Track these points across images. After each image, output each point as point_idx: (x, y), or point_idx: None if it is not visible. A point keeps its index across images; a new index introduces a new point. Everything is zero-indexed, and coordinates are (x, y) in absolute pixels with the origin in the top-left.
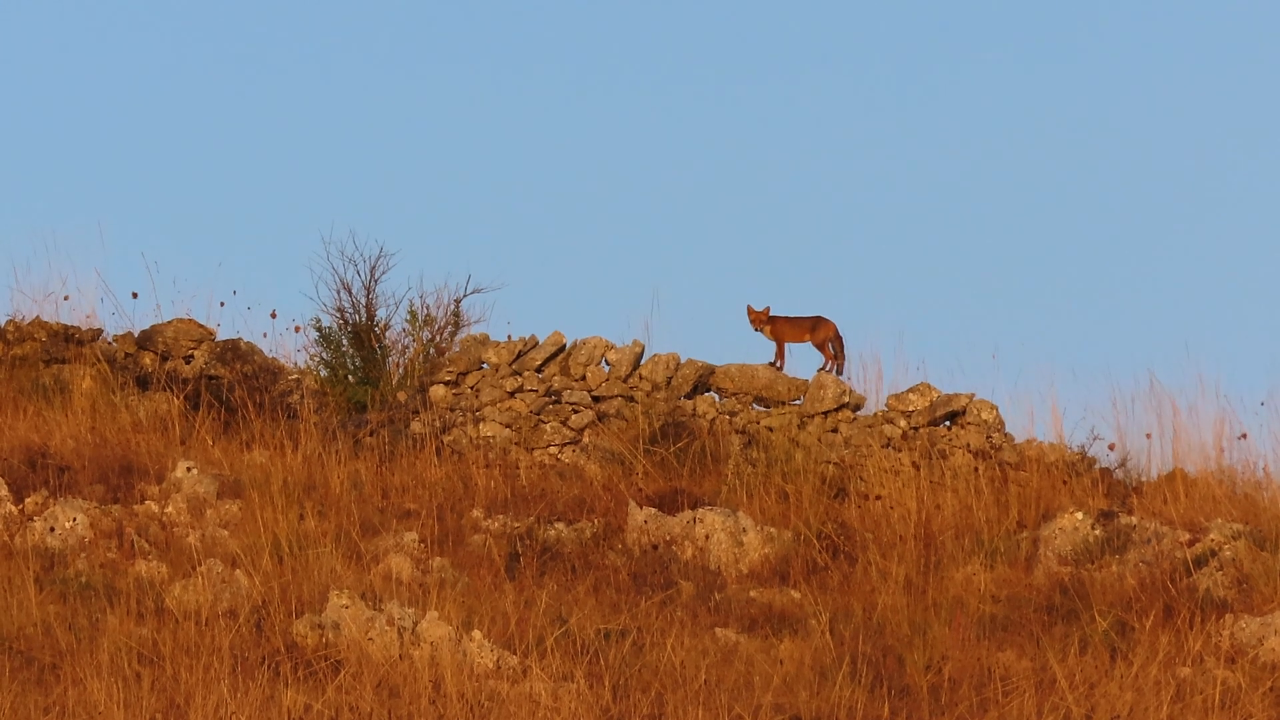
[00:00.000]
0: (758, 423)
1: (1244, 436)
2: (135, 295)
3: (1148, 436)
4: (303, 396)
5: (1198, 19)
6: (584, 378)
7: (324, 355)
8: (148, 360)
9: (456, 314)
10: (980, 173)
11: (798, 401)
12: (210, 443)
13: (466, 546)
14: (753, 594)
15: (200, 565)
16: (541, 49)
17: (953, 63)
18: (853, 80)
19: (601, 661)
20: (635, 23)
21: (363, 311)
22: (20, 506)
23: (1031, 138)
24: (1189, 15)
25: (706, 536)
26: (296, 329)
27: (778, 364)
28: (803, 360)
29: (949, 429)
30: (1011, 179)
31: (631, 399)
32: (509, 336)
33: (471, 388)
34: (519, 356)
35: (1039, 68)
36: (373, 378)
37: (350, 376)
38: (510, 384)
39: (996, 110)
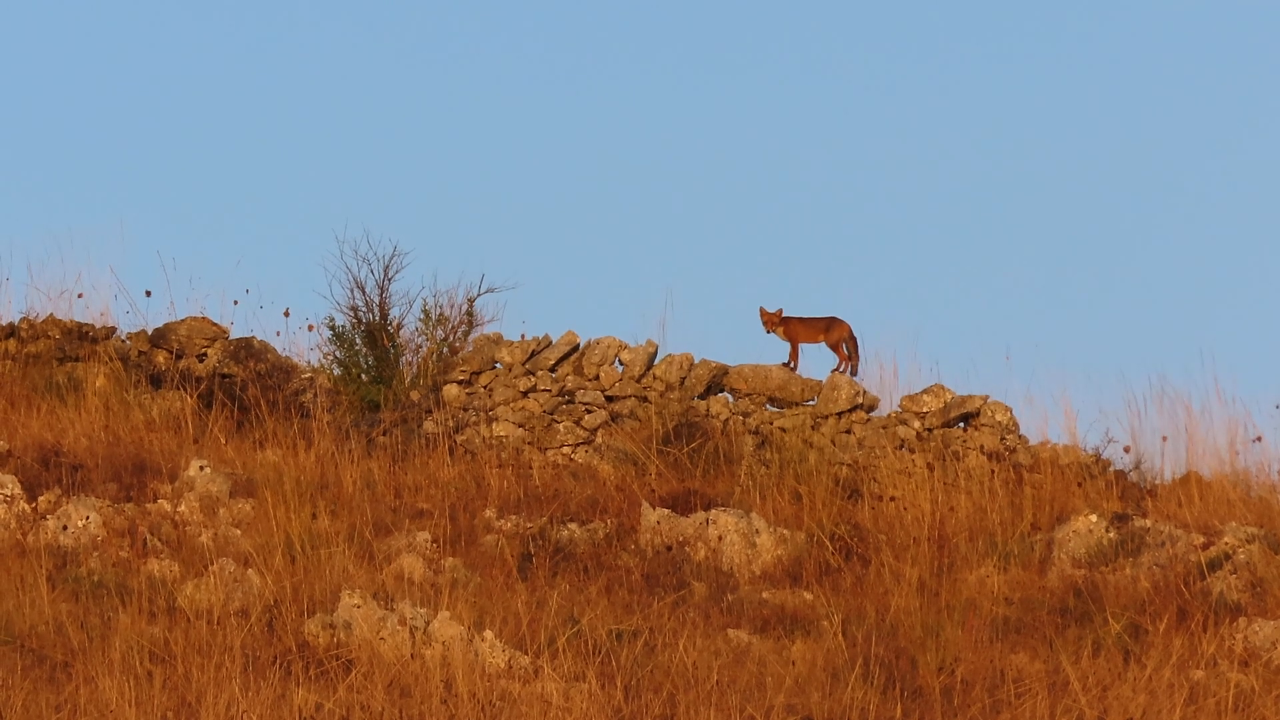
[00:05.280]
0: (771, 423)
1: (1259, 439)
2: (149, 293)
3: (1163, 439)
4: (316, 395)
5: (1220, 22)
6: (597, 377)
7: (337, 354)
8: (161, 358)
9: (470, 313)
10: (995, 175)
11: (811, 402)
12: (223, 441)
13: (479, 546)
14: (765, 595)
15: (212, 564)
16: (555, 49)
17: (969, 63)
18: (867, 81)
19: (613, 662)
20: (650, 22)
21: (376, 310)
22: (33, 505)
23: (1046, 140)
24: (1209, 18)
25: (719, 537)
26: (310, 327)
27: (792, 365)
28: (817, 361)
29: (963, 430)
30: (1026, 181)
31: (645, 399)
32: (522, 336)
33: (485, 387)
34: (532, 356)
35: (1056, 68)
36: (386, 377)
37: (363, 375)
38: (523, 383)
39: (1012, 111)
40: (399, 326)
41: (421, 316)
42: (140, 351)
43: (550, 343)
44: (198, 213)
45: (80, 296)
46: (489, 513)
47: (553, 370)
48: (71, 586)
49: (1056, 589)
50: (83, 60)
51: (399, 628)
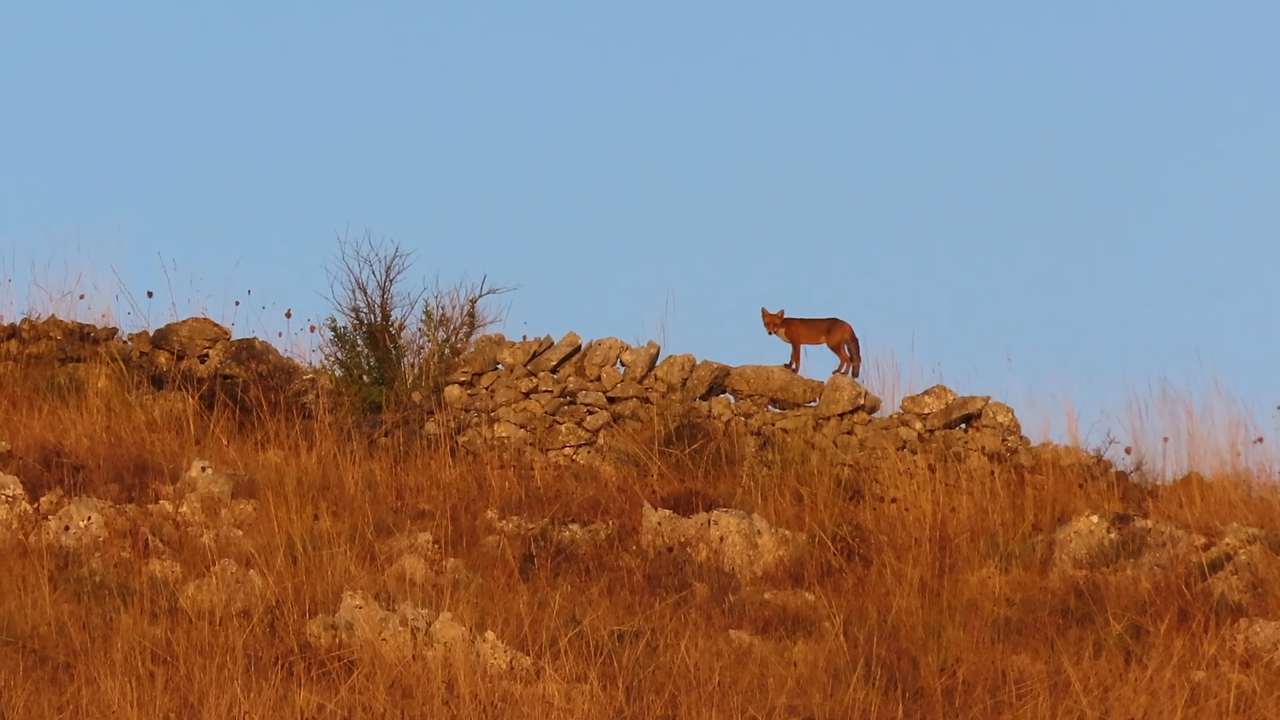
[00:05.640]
0: (773, 424)
1: (1260, 440)
2: (150, 294)
3: (1164, 440)
4: (318, 396)
5: (1219, 23)
6: (599, 379)
7: (339, 355)
8: (163, 359)
9: (472, 314)
10: (995, 176)
11: (813, 403)
12: (225, 442)
13: (480, 547)
14: (767, 596)
15: (214, 565)
16: (557, 50)
17: (970, 65)
18: (869, 82)
19: (615, 663)
20: (652, 23)
21: (378, 311)
22: (35, 505)
23: (1046, 140)
24: (1209, 18)
25: (721, 538)
26: (312, 329)
27: (793, 366)
28: (819, 362)
29: (965, 431)
30: (1027, 182)
31: (647, 400)
32: (524, 337)
33: (486, 388)
34: (534, 357)
35: (1056, 69)
36: (387, 378)
37: (365, 376)
38: (525, 385)
39: (1013, 113)
40: (401, 327)
41: (423, 317)
42: (142, 352)
43: (552, 344)
44: (199, 214)
45: (82, 297)
46: (491, 514)
47: (554, 371)
48: (73, 587)
49: (1058, 590)
50: (84, 62)
51: (401, 629)
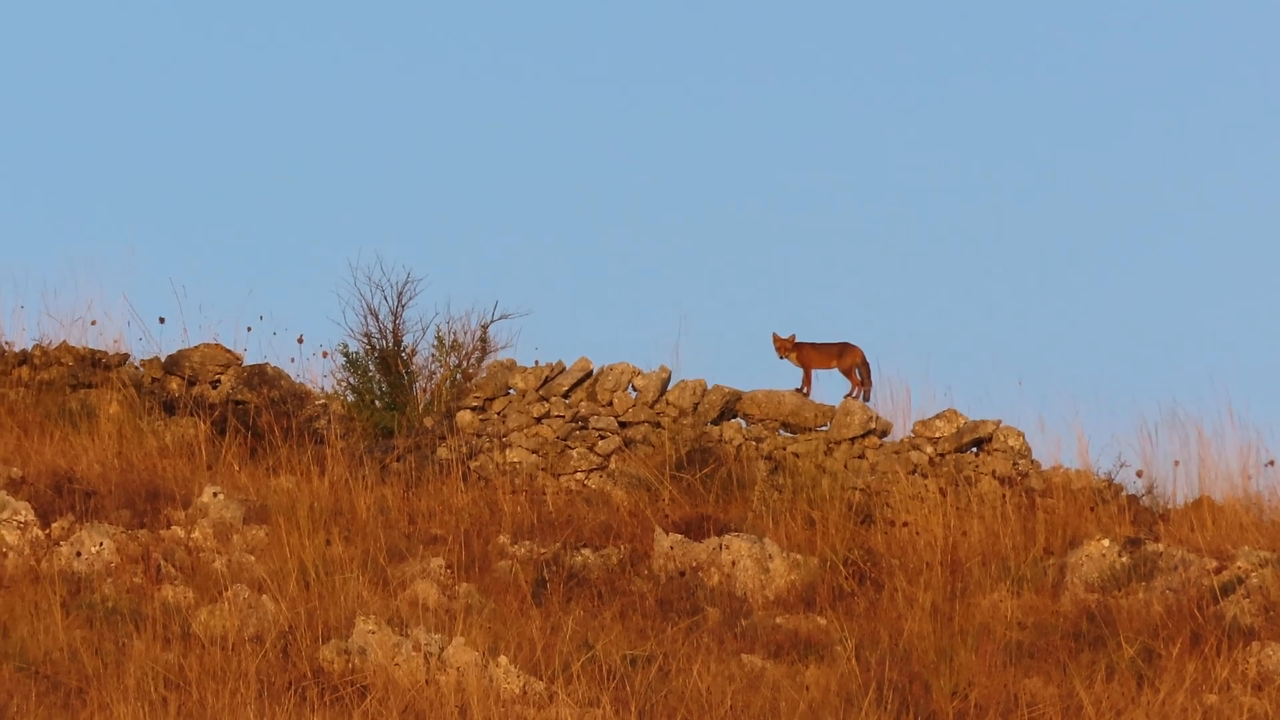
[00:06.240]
0: (784, 449)
1: (1271, 463)
2: (162, 320)
3: (1175, 464)
4: (329, 422)
5: (1228, 45)
6: (611, 403)
7: (351, 380)
8: (174, 385)
9: (483, 339)
10: (1008, 201)
11: (824, 427)
12: (237, 468)
13: (493, 572)
14: (779, 620)
15: (227, 590)
16: (569, 75)
17: (980, 89)
18: (882, 107)
19: (627, 687)
20: (664, 48)
21: (390, 337)
22: (47, 531)
23: (1058, 166)
24: (1220, 41)
25: (733, 563)
26: (324, 354)
27: (805, 390)
28: (830, 386)
29: (976, 455)
30: (1038, 206)
31: (658, 425)
32: (536, 362)
33: (498, 413)
34: (546, 382)
35: (1067, 93)
36: (399, 403)
37: (377, 402)
38: (537, 410)
39: (1023, 135)
40: (413, 353)
41: (435, 343)
42: (153, 378)
43: (564, 369)
44: (211, 239)
45: (93, 323)
46: (503, 539)
47: (566, 396)
48: (85, 613)
49: (1070, 613)
50: (95, 87)
51: (413, 654)
